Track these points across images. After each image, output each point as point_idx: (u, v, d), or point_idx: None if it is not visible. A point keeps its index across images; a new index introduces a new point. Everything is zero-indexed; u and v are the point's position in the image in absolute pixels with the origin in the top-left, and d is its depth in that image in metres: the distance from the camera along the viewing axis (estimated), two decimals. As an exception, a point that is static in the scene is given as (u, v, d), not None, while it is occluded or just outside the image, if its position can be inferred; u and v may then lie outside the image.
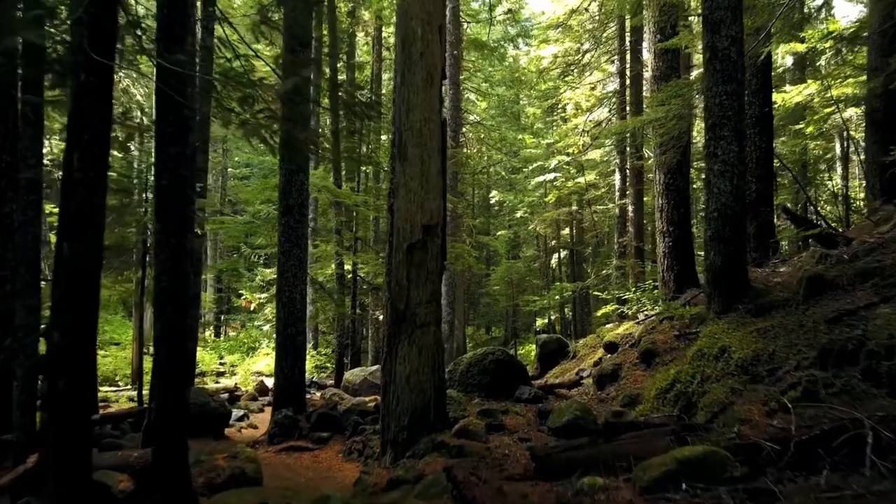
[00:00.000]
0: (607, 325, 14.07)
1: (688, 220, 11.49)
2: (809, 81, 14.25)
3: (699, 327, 8.32)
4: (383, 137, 20.54)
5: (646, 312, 11.56)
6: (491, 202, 36.19)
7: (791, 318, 5.20)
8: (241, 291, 26.36)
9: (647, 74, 11.48)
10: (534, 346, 32.25)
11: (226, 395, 17.11)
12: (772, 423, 3.86)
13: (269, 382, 19.93)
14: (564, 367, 12.30)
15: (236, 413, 14.71)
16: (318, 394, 16.48)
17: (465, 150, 19.64)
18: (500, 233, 33.04)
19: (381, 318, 20.20)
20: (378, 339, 20.63)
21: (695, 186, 18.05)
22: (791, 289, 5.94)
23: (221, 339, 29.56)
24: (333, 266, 16.71)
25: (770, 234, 11.70)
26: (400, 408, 6.34)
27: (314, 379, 21.00)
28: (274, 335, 22.40)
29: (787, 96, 14.64)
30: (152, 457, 6.37)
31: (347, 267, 17.24)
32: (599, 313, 14.22)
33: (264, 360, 22.26)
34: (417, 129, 6.23)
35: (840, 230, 10.45)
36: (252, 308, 25.34)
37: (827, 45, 14.62)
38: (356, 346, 26.66)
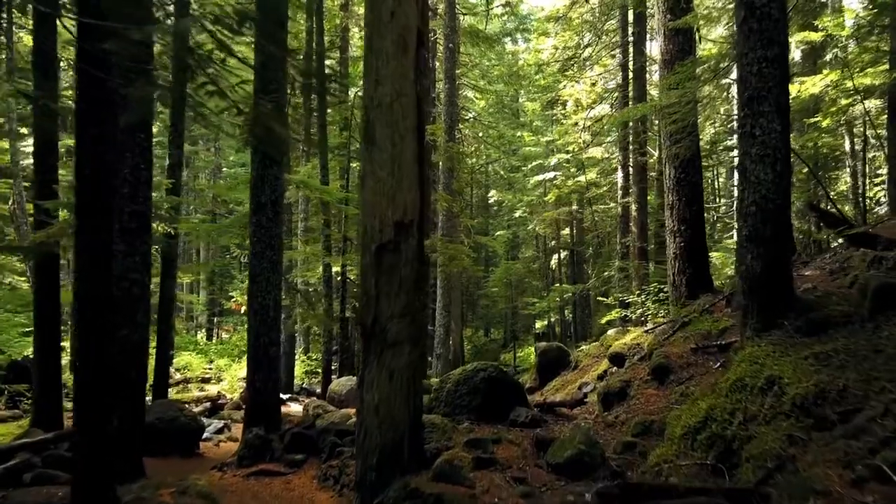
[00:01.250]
0: (610, 332, 12.86)
1: (701, 217, 10.28)
2: (827, 71, 13.05)
3: (729, 345, 7.10)
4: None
5: (655, 320, 10.32)
6: (489, 202, 34.95)
7: (860, 340, 3.98)
8: (231, 294, 25.15)
9: (658, 58, 10.25)
10: (533, 350, 31.06)
11: (207, 405, 15.91)
12: (864, 502, 2.65)
13: (256, 390, 18.70)
14: (565, 378, 11.07)
15: (216, 424, 13.52)
16: (304, 402, 15.28)
17: (461, 146, 18.39)
18: (498, 233, 31.81)
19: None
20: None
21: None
22: (850, 300, 4.74)
23: (213, 342, 28.35)
24: (321, 269, 15.49)
25: (788, 233, 10.53)
26: (368, 444, 5.12)
27: (304, 385, 19.80)
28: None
29: (804, 87, 13.42)
30: (70, 496, 5.24)
31: (336, 269, 16.02)
32: (603, 321, 12.99)
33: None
34: (387, 105, 5.01)
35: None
36: (242, 311, 24.14)
37: (843, 32, 13.41)
38: (350, 352, 25.48)
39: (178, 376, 20.43)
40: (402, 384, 5.05)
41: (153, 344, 12.25)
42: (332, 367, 24.36)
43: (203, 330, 29.34)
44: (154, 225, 12.53)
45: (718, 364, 7.17)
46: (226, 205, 28.87)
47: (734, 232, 21.48)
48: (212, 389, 18.89)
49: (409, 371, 5.20)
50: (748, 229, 5.07)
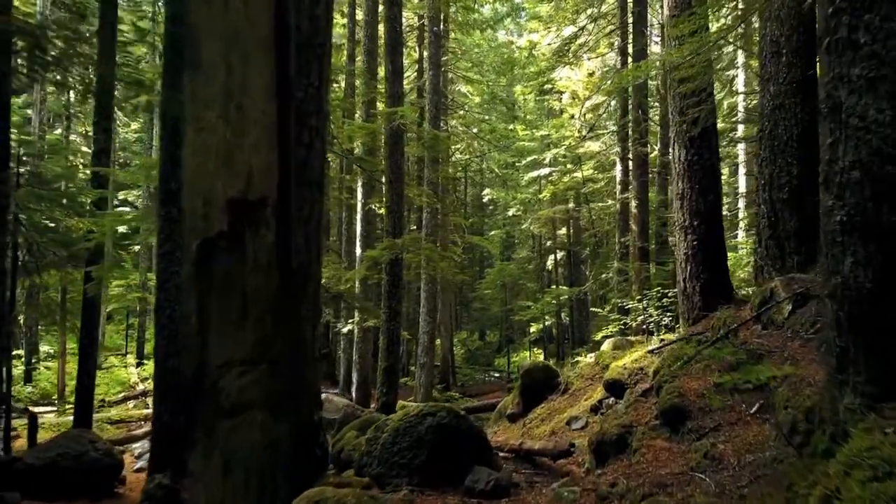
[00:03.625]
0: (606, 346, 10.69)
1: (717, 209, 8.09)
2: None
3: (766, 384, 4.92)
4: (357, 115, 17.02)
5: (662, 336, 8.11)
6: (484, 201, 32.72)
7: None
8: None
9: (664, 11, 8.04)
10: (528, 354, 28.80)
11: (147, 428, 13.71)
12: None
13: (219, 404, 16.54)
14: (553, 404, 8.88)
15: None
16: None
17: (447, 133, 16.16)
18: (492, 233, 29.60)
19: (346, 330, 16.78)
20: (354, 357, 17.17)
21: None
22: None
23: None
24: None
25: (816, 231, 8.33)
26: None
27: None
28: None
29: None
30: None
31: (301, 271, 13.84)
32: (599, 336, 10.79)
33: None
34: (220, 6, 2.78)
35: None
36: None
37: None
38: (330, 358, 23.28)
39: (141, 387, 18.30)
40: (247, 486, 2.84)
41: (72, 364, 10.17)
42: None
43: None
44: (73, 221, 10.41)
45: (755, 409, 4.99)
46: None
47: (738, 231, 19.30)
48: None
49: (268, 456, 2.98)
50: (846, 211, 2.86)
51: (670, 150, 8.28)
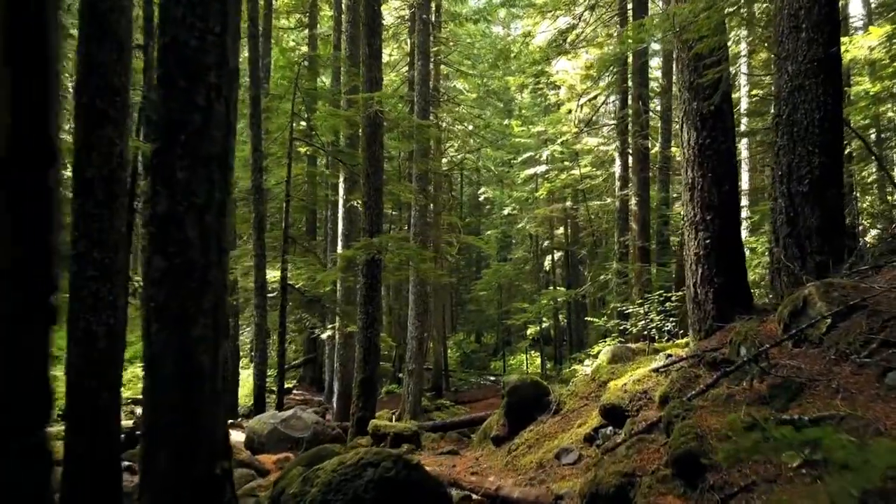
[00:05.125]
0: (603, 357, 9.39)
1: (734, 202, 6.79)
2: None
3: (819, 419, 3.57)
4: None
5: (671, 350, 6.77)
6: (480, 200, 31.37)
7: None
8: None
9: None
10: (525, 357, 27.44)
11: (122, 437, 12.39)
12: None
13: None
14: (542, 427, 7.54)
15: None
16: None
17: (438, 124, 14.85)
18: (488, 233, 28.24)
19: (326, 336, 15.47)
20: (335, 364, 15.84)
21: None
22: None
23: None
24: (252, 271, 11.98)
25: (840, 228, 7.11)
26: None
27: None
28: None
29: (862, 38, 9.92)
30: None
31: (275, 274, 12.53)
32: (595, 350, 9.47)
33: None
34: None
35: None
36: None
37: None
38: (318, 362, 22.00)
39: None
40: None
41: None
42: (290, 386, 20.85)
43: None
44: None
45: (798, 462, 3.68)
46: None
47: (742, 230, 17.96)
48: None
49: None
50: None
51: (678, 132, 6.95)
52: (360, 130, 11.70)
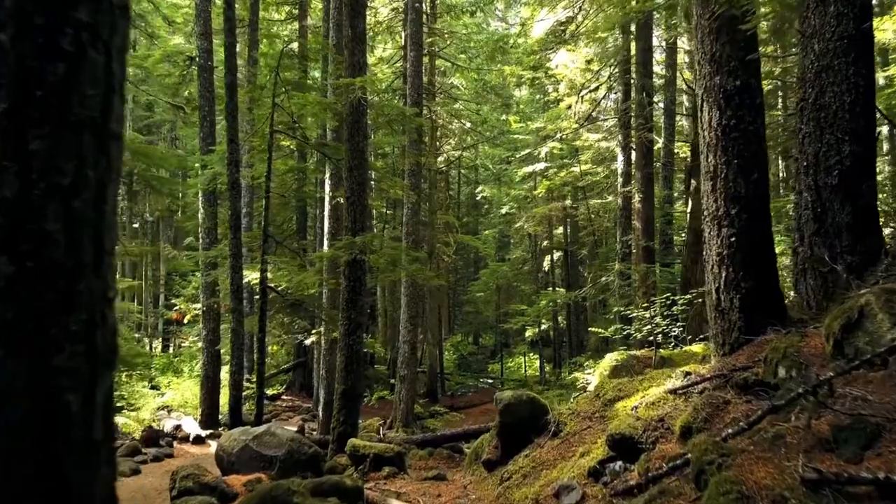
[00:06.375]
0: (605, 364, 8.39)
1: (764, 192, 5.75)
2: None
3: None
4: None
5: (691, 367, 5.68)
6: (478, 199, 30.26)
7: None
8: (173, 302, 20.62)
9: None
10: (523, 360, 26.34)
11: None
12: None
13: (169, 424, 14.17)
14: (540, 453, 6.49)
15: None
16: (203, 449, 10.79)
17: (432, 118, 13.80)
18: (485, 232, 27.15)
19: (309, 342, 14.41)
20: (321, 372, 14.74)
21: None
22: None
23: (169, 352, 23.79)
24: (231, 273, 10.90)
25: (875, 225, 6.11)
26: None
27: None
28: (200, 356, 16.61)
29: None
30: None
31: (253, 275, 11.47)
32: (602, 367, 8.44)
33: (178, 391, 16.49)
34: None
35: None
36: (186, 321, 19.68)
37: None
38: (307, 367, 20.92)
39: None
40: None
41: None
42: (277, 392, 19.77)
43: (159, 339, 24.74)
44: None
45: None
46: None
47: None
48: (119, 420, 14.36)
49: None
50: None
51: (698, 112, 5.88)
52: (343, 120, 10.63)
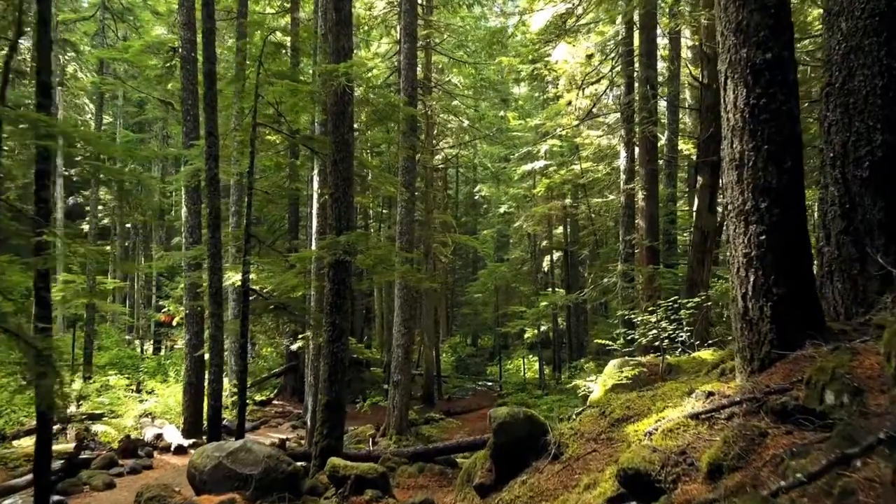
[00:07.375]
0: (608, 372, 7.61)
1: (799, 183, 4.92)
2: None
3: None
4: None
5: (715, 387, 4.82)
6: (476, 198, 29.41)
7: None
8: (161, 304, 19.77)
9: None
10: (522, 362, 25.46)
11: (59, 464, 10.50)
12: None
13: (150, 433, 13.32)
14: (539, 480, 5.65)
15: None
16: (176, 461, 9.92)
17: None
18: (483, 232, 26.30)
19: (296, 347, 13.57)
20: (311, 377, 13.89)
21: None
22: None
23: (160, 355, 22.93)
24: (210, 274, 10.06)
25: None
26: None
27: (225, 422, 14.40)
28: (183, 358, 15.75)
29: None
30: None
31: (236, 276, 10.64)
32: (605, 377, 7.63)
33: (161, 396, 15.63)
34: None
35: None
36: (174, 323, 18.83)
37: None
38: (299, 371, 20.06)
39: (72, 409, 15.07)
40: None
41: None
42: (268, 397, 18.90)
43: (151, 342, 23.86)
44: None
45: None
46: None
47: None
48: (98, 428, 13.52)
49: None
50: None
51: (721, 90, 5.03)
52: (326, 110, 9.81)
